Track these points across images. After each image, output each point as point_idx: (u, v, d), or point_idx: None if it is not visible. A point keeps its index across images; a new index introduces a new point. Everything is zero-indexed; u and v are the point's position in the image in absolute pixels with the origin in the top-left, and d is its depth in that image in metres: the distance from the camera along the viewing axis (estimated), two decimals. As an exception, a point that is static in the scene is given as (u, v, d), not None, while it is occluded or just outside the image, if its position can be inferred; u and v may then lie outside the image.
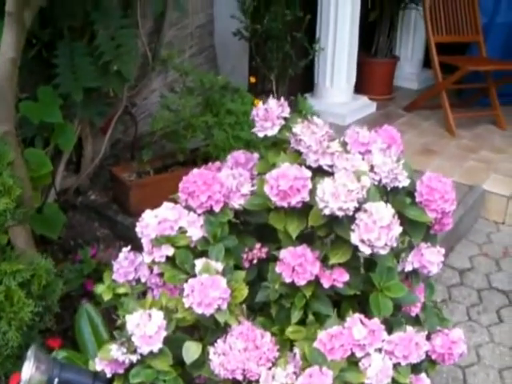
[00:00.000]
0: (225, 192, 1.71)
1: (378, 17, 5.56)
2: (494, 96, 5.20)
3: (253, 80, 4.11)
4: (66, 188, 3.30)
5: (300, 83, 4.80)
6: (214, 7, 4.32)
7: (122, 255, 1.93)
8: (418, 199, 1.75)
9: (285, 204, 1.57)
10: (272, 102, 1.77)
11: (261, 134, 1.75)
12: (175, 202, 1.79)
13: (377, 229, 1.50)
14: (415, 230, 1.77)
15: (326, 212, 1.52)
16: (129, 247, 1.93)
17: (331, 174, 1.60)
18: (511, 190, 4.00)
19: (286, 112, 1.76)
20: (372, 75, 5.62)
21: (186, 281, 1.57)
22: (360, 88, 5.39)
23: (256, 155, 1.97)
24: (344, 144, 1.75)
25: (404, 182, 1.68)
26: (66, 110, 2.79)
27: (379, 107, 5.41)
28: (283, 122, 1.76)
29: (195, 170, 1.72)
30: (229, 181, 1.75)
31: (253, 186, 1.77)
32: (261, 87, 4.38)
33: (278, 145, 1.79)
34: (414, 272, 1.86)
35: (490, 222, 3.99)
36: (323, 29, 4.83)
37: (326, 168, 1.64)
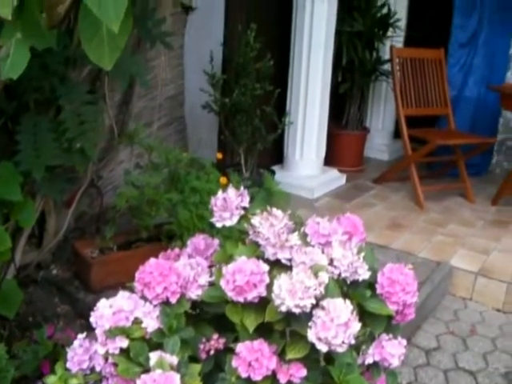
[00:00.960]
0: (182, 283, 1.69)
1: (348, 89, 5.64)
2: (462, 169, 5.28)
3: (220, 156, 4.12)
4: (27, 263, 3.25)
5: (269, 156, 4.84)
6: (185, 79, 4.37)
7: (76, 343, 1.89)
8: (378, 291, 1.74)
9: (241, 299, 1.56)
10: (231, 191, 1.76)
11: (219, 225, 1.74)
12: (132, 290, 1.77)
13: (334, 327, 1.48)
14: (376, 322, 1.76)
15: (283, 309, 1.51)
16: (84, 334, 1.89)
17: (290, 268, 1.60)
18: (478, 265, 4.02)
19: (246, 202, 1.76)
20: (342, 147, 5.69)
21: (140, 375, 1.54)
22: (330, 160, 5.43)
23: (216, 241, 1.96)
24: (304, 235, 1.75)
25: (364, 274, 1.67)
26: (27, 185, 2.77)
27: (349, 179, 5.45)
28: (242, 212, 1.76)
29: (152, 260, 1.71)
30: (186, 271, 1.73)
31: (211, 275, 1.76)
32: (229, 160, 4.40)
33: (236, 234, 1.78)
34: (375, 364, 1.84)
35: (458, 299, 3.99)
36: (293, 102, 4.90)
37: (284, 261, 1.63)
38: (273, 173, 4.48)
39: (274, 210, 1.73)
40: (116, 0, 1.40)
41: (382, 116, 6.42)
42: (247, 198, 1.78)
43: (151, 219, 3.03)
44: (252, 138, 4.26)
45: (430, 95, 5.45)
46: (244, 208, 1.77)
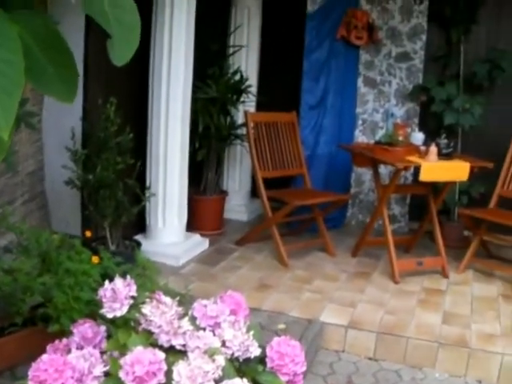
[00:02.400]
0: (77, 376, 1.74)
1: (205, 155, 5.81)
2: (321, 224, 5.58)
3: (88, 234, 4.14)
4: None
5: (133, 225, 4.88)
6: (45, 154, 4.38)
7: None
8: (269, 365, 1.87)
9: (141, 388, 1.64)
10: (119, 281, 1.85)
11: (110, 315, 1.82)
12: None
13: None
14: (269, 393, 1.88)
15: (184, 395, 1.60)
16: None
17: (184, 353, 1.69)
18: (347, 318, 4.25)
19: (133, 291, 1.85)
20: (202, 212, 5.83)
21: None
22: (192, 225, 5.55)
23: (103, 328, 2.02)
24: (193, 318, 1.85)
25: (255, 351, 1.80)
26: None
27: (212, 243, 5.58)
28: (132, 301, 1.84)
29: (44, 357, 1.75)
30: (80, 363, 1.78)
31: (105, 365, 1.82)
32: (94, 234, 4.42)
33: (127, 323, 1.86)
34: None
35: (331, 352, 4.17)
36: (153, 173, 5.02)
37: (178, 347, 1.73)
38: (138, 244, 4.54)
39: (162, 296, 1.83)
40: (4, 108, 1.44)
41: (238, 177, 6.65)
42: (134, 287, 1.87)
43: (25, 305, 3.01)
44: (116, 212, 4.32)
45: (286, 157, 5.75)
46: (132, 297, 1.86)
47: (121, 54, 1.53)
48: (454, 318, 4.39)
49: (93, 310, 2.57)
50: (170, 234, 5.12)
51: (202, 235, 5.55)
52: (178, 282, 4.43)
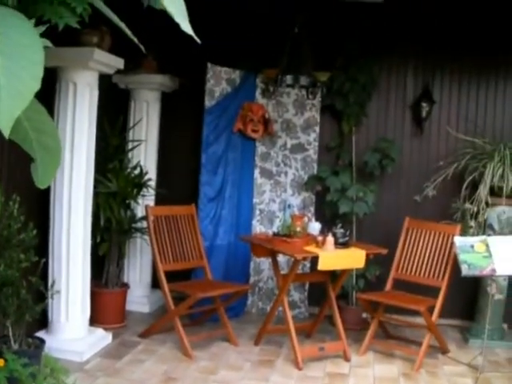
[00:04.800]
0: None
1: (107, 249, 5.91)
2: (222, 314, 5.74)
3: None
4: None
5: (37, 320, 4.84)
6: None
7: None
8: None
9: None
10: None
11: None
12: None
13: None
14: None
15: None
16: None
17: None
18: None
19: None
20: (104, 305, 5.90)
21: None
22: (95, 319, 5.62)
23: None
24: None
25: None
26: None
27: (115, 336, 5.63)
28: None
29: None
30: None
31: None
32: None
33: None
34: None
35: None
36: (56, 269, 5.08)
37: None
38: (42, 341, 4.54)
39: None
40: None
41: (139, 269, 6.76)
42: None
43: None
44: (19, 310, 4.33)
45: (186, 249, 5.95)
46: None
47: (43, 176, 1.69)
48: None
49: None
50: (73, 330, 5.15)
51: (105, 329, 5.60)
52: (84, 379, 4.47)
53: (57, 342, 4.93)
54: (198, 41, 2.15)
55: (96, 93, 5.14)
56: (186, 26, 1.87)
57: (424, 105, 6.65)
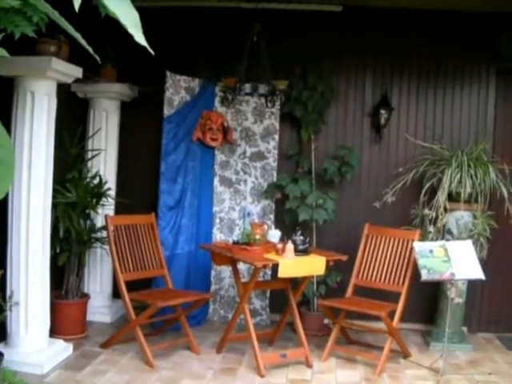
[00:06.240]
0: None
1: (66, 259, 5.89)
2: (184, 323, 5.76)
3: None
4: None
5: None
6: None
7: None
8: None
9: None
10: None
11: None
12: None
13: None
14: None
15: None
16: None
17: None
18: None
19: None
20: (65, 316, 5.86)
21: None
22: (55, 330, 5.59)
23: None
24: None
25: None
26: None
27: (76, 347, 5.59)
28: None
29: None
30: None
31: None
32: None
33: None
34: None
35: None
36: (14, 280, 5.01)
37: None
38: (1, 355, 4.50)
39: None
40: None
41: (99, 279, 6.74)
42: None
43: None
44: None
45: (146, 258, 5.96)
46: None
47: (-3, 190, 1.70)
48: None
49: None
50: (33, 342, 5.10)
51: (66, 340, 5.55)
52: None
53: (16, 354, 4.89)
54: (152, 52, 2.19)
55: (54, 102, 5.11)
56: (140, 37, 1.91)
57: (383, 112, 6.74)
